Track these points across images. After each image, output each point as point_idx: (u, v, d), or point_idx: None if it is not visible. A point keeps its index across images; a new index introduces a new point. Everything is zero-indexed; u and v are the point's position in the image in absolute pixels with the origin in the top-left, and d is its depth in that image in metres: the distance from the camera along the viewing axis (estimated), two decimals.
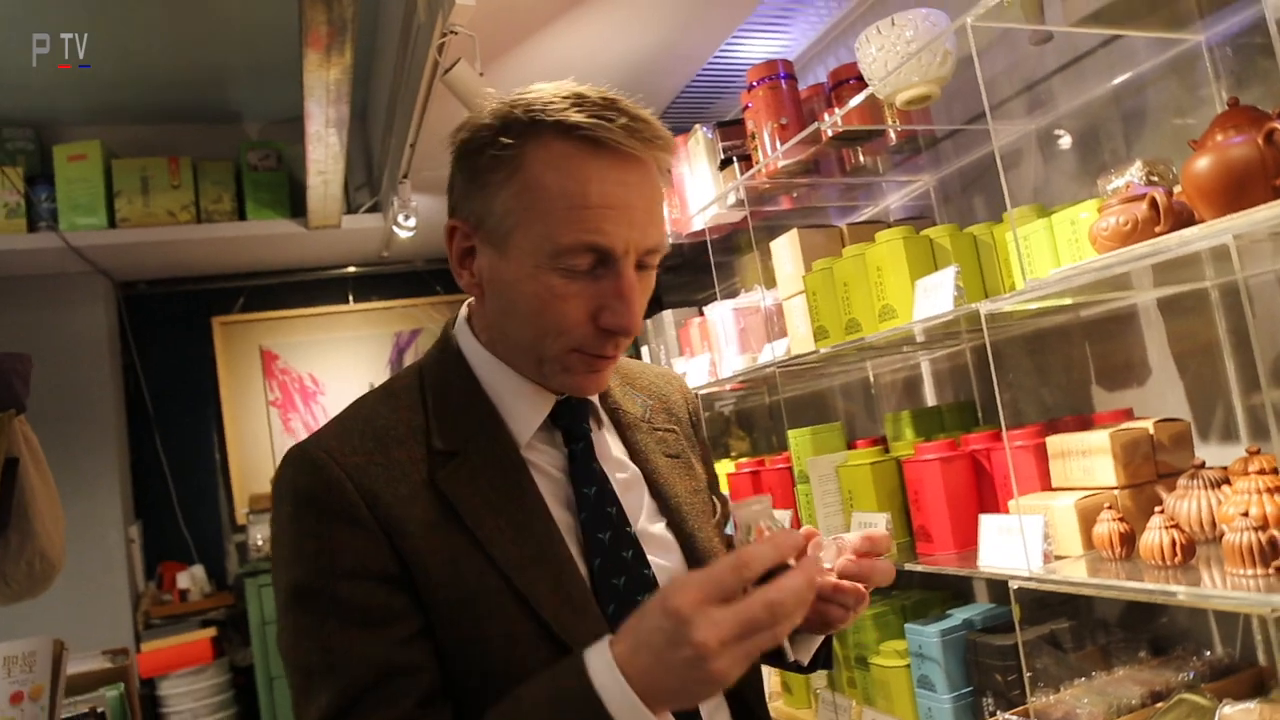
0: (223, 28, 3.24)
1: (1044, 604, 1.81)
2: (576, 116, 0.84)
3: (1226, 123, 1.26)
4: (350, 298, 4.49)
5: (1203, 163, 1.17)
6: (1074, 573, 1.43)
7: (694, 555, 1.00)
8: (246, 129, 4.04)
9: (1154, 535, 1.34)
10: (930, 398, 2.51)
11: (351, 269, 4.47)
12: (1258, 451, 1.49)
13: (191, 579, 3.90)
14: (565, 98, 0.85)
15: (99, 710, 2.08)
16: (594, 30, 2.43)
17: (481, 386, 0.95)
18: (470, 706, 0.84)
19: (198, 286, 4.19)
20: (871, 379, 2.72)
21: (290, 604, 0.85)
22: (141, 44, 3.28)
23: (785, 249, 2.24)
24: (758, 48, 2.76)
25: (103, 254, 3.64)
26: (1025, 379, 2.19)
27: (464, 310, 1.02)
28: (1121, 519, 1.44)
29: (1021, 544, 1.51)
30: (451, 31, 2.11)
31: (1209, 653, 1.77)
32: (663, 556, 0.98)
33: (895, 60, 1.72)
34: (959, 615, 1.94)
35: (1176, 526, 1.34)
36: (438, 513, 0.86)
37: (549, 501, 0.92)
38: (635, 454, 1.05)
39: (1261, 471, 1.39)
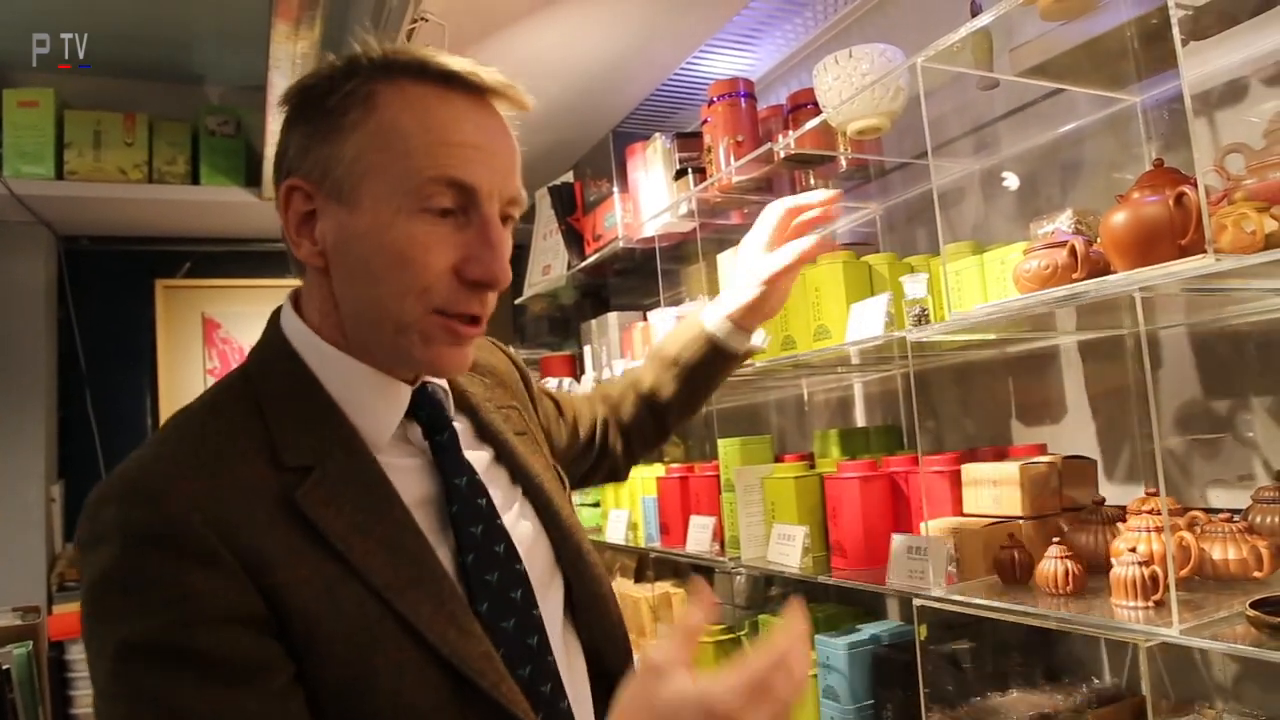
0: None
1: (950, 624, 1.88)
2: (430, 60, 0.82)
3: (1147, 182, 1.34)
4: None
5: (1119, 217, 1.25)
6: (973, 595, 1.51)
7: (559, 532, 0.98)
8: (208, 92, 3.99)
9: (1050, 564, 1.42)
10: (861, 419, 2.59)
11: None
12: (1155, 493, 1.58)
13: None
14: (415, 48, 0.84)
15: (3, 667, 2.05)
16: (564, 29, 2.46)
17: (323, 387, 0.86)
18: None
19: (143, 247, 4.12)
20: (806, 396, 2.79)
21: (124, 668, 0.71)
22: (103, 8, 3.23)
23: (731, 262, 2.29)
24: (724, 63, 2.81)
25: (47, 205, 3.57)
26: (951, 408, 2.27)
27: (287, 303, 0.91)
28: (1022, 547, 1.51)
29: (928, 565, 1.58)
30: (422, 18, 2.13)
31: (1098, 680, 1.86)
32: (528, 543, 0.94)
33: (849, 91, 1.78)
34: (868, 630, 2.01)
35: (1071, 557, 1.42)
36: (301, 538, 0.77)
37: (412, 505, 0.85)
38: (486, 435, 1.00)
39: (1154, 512, 1.48)
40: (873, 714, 1.94)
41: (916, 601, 1.55)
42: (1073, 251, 1.32)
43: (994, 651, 1.98)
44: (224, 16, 3.40)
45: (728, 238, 2.58)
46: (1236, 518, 1.44)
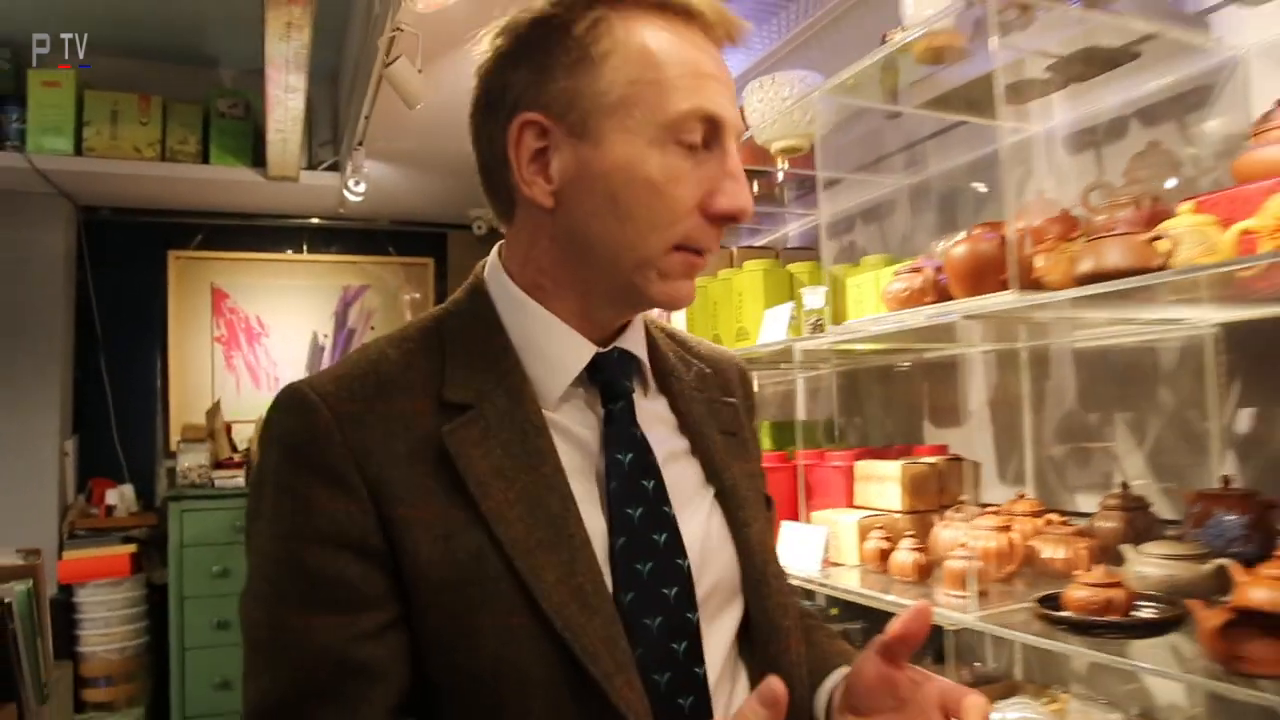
0: None
1: (852, 606, 2.06)
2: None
3: (993, 218, 1.49)
4: (305, 247, 4.67)
5: (957, 251, 1.40)
6: (843, 579, 1.68)
7: (745, 550, 0.86)
8: (220, 75, 4.19)
9: (901, 555, 1.59)
10: (802, 413, 2.75)
11: (315, 220, 4.64)
12: (1023, 496, 1.75)
13: (120, 497, 4.09)
14: None
15: (5, 600, 2.28)
16: None
17: (505, 331, 0.83)
18: (449, 713, 0.73)
19: (157, 219, 4.35)
20: (756, 389, 2.95)
21: (255, 565, 0.76)
22: None
23: None
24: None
25: (67, 179, 3.80)
26: (876, 407, 2.43)
27: (494, 254, 0.88)
28: (887, 538, 1.68)
29: (810, 550, 1.75)
30: (398, 29, 2.30)
31: (980, 665, 2.03)
32: (707, 547, 0.84)
33: (771, 114, 1.94)
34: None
35: (922, 550, 1.58)
36: (438, 477, 0.75)
37: (571, 472, 0.79)
38: (686, 424, 0.90)
39: (1028, 514, 1.64)
40: None
41: (796, 583, 1.73)
42: (925, 279, 1.47)
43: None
44: (234, 2, 3.59)
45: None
46: (1083, 521, 1.61)
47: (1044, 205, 1.67)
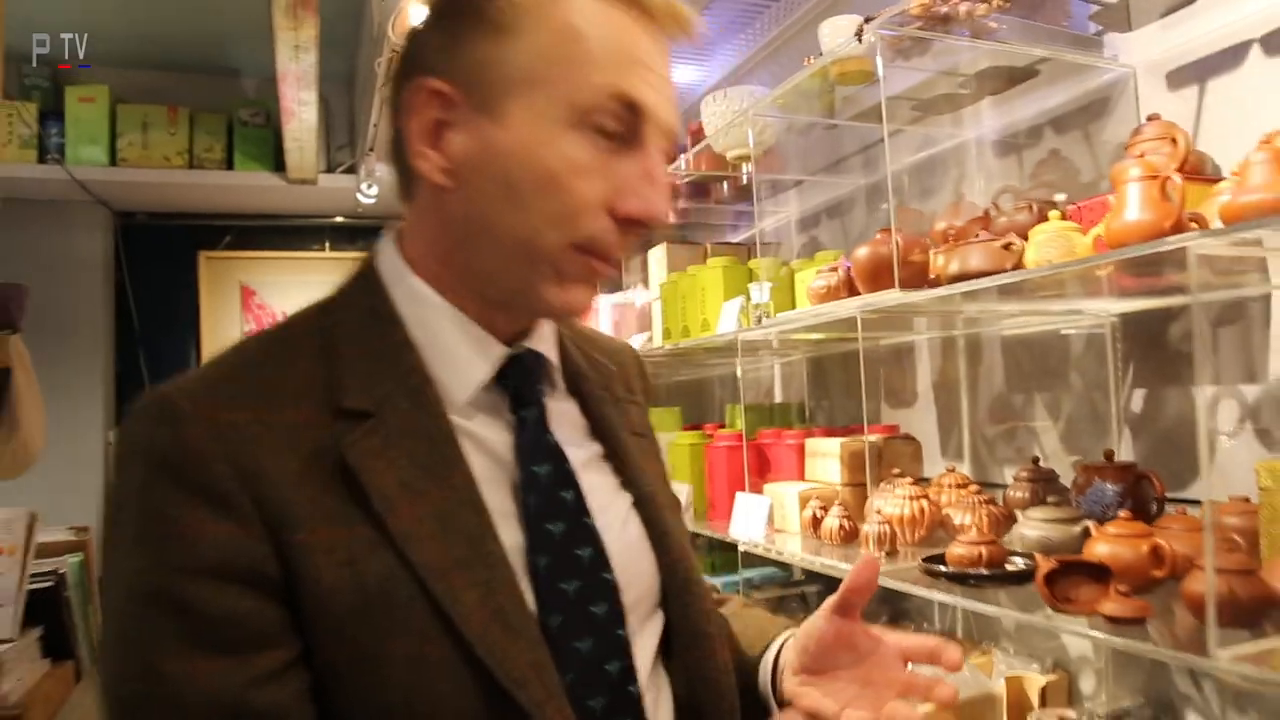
0: None
1: (814, 572, 2.26)
2: None
3: (901, 221, 1.68)
4: (327, 245, 4.93)
5: (861, 252, 1.60)
6: (786, 544, 1.88)
7: (667, 555, 0.82)
8: (242, 85, 4.45)
9: (830, 521, 1.79)
10: (779, 395, 2.95)
11: (337, 219, 4.89)
12: (952, 470, 1.94)
13: None
14: None
15: (60, 571, 2.55)
16: None
17: (407, 332, 0.74)
18: None
19: (188, 222, 4.63)
20: (739, 374, 3.16)
21: (118, 606, 0.64)
22: (150, 10, 3.69)
23: (656, 259, 2.67)
24: (680, 75, 3.15)
25: (103, 188, 4.08)
26: (840, 390, 2.63)
27: (389, 237, 0.80)
28: (823, 507, 1.88)
29: (757, 518, 1.96)
30: (393, 51, 2.52)
31: (928, 625, 2.23)
32: (629, 558, 0.79)
33: (723, 124, 2.13)
34: (747, 574, 2.40)
35: (848, 517, 1.78)
36: (337, 494, 0.66)
37: (483, 484, 0.72)
38: (599, 429, 0.85)
39: (953, 485, 1.83)
40: None
41: (742, 547, 1.94)
42: (841, 277, 1.67)
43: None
44: (254, 17, 3.83)
45: (653, 237, 2.97)
46: (999, 491, 1.80)
47: (967, 207, 1.85)
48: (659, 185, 0.73)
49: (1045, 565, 1.22)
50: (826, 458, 2.01)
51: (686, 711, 0.80)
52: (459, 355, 0.75)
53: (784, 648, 0.88)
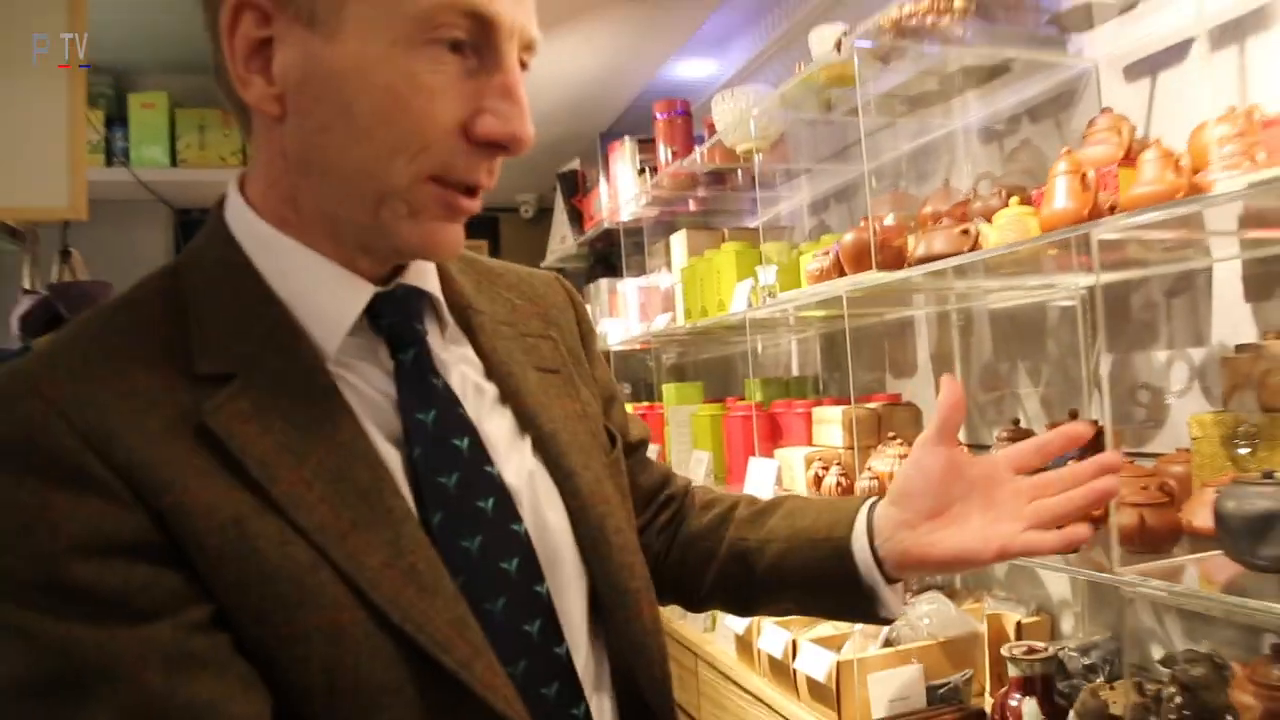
0: None
1: None
2: None
3: (890, 205, 1.87)
4: None
5: (848, 237, 1.79)
6: None
7: (574, 503, 0.75)
8: None
9: (829, 479, 2.00)
10: (796, 369, 3.15)
11: None
12: None
13: None
14: None
15: None
16: (548, 56, 3.04)
17: (265, 281, 0.67)
18: None
19: None
20: (760, 349, 3.36)
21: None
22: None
23: (678, 244, 2.88)
24: (694, 70, 3.34)
25: (165, 188, 4.38)
26: (852, 363, 2.82)
27: (233, 185, 0.73)
28: (824, 467, 2.09)
29: (767, 478, 2.17)
30: None
31: (929, 578, 2.42)
32: (538, 507, 0.73)
33: (735, 122, 2.33)
34: None
35: (845, 474, 1.99)
36: (209, 457, 0.60)
37: (374, 438, 0.66)
38: (493, 367, 0.78)
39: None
40: None
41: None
42: (832, 260, 1.87)
43: None
44: None
45: (697, 220, 3.18)
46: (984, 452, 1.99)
47: (951, 192, 2.04)
48: (518, 102, 0.65)
49: None
50: (831, 424, 2.22)
51: (619, 676, 0.76)
52: (323, 300, 0.68)
53: (873, 512, 0.83)
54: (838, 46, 1.58)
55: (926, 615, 1.97)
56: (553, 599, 0.70)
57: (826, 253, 1.89)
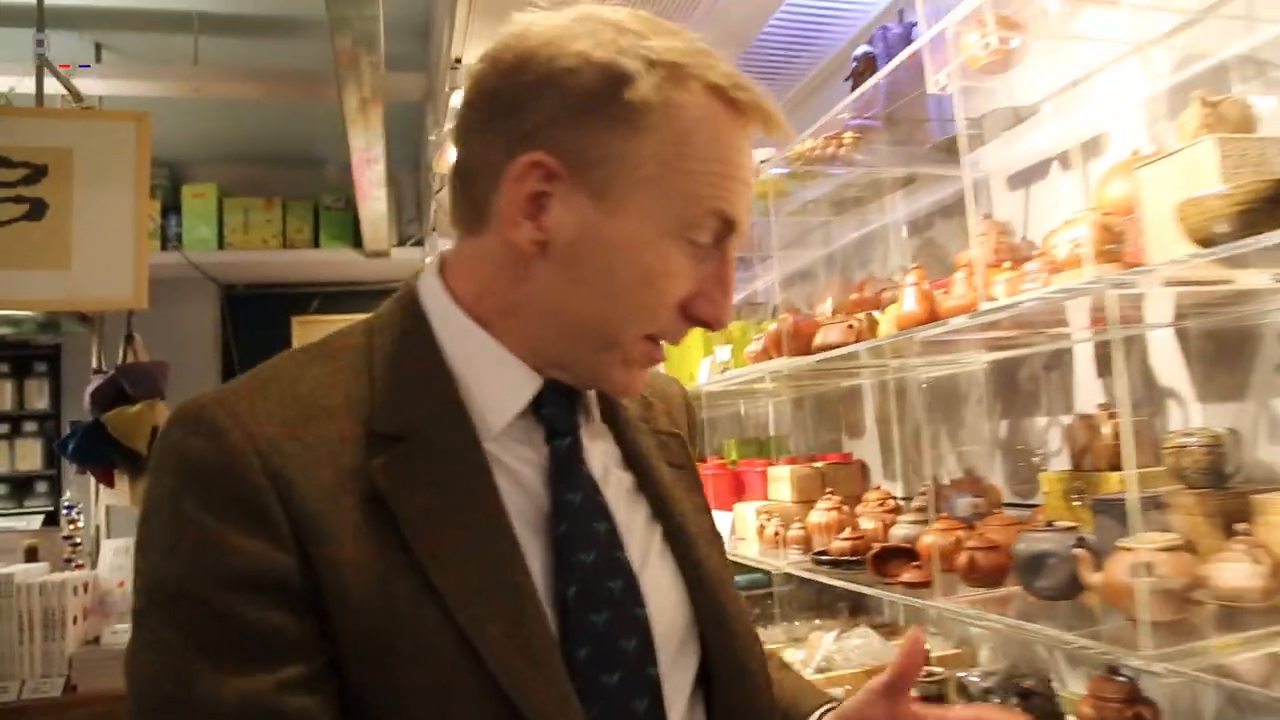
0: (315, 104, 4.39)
1: (789, 574, 2.78)
2: (728, 80, 0.73)
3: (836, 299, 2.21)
4: None
5: (773, 326, 2.14)
6: (745, 549, 2.42)
7: (701, 589, 0.80)
8: (327, 172, 5.21)
9: (769, 529, 2.32)
10: (773, 429, 3.48)
11: None
12: (879, 488, 2.45)
13: None
14: (698, 51, 0.73)
15: None
16: None
17: (443, 354, 0.75)
18: None
19: (283, 291, 5.40)
20: (744, 411, 3.70)
21: (149, 609, 0.65)
22: (252, 114, 4.45)
23: None
24: None
25: (214, 268, 4.86)
26: (813, 425, 3.15)
27: (433, 267, 0.80)
28: (769, 518, 2.41)
29: (724, 529, 2.50)
30: (440, 172, 3.16)
31: (866, 615, 2.72)
32: (660, 593, 0.78)
33: None
34: (739, 579, 2.92)
35: (784, 526, 2.32)
36: (367, 514, 0.66)
37: (513, 515, 0.72)
38: (633, 459, 0.84)
39: (875, 500, 2.34)
40: None
41: None
42: (764, 344, 2.22)
43: (819, 593, 2.87)
44: (336, 113, 4.58)
45: None
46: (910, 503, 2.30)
47: (876, 282, 2.39)
48: (729, 293, 0.76)
49: (875, 550, 1.74)
50: (782, 481, 2.55)
51: None
52: (496, 384, 0.75)
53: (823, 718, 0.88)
54: (756, 172, 1.94)
55: (857, 647, 2.27)
56: (661, 679, 0.75)
57: (759, 338, 2.24)
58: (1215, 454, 1.49)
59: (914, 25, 1.97)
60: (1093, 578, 1.26)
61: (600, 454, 0.82)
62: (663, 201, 0.71)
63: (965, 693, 2.05)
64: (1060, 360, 2.03)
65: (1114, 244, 1.26)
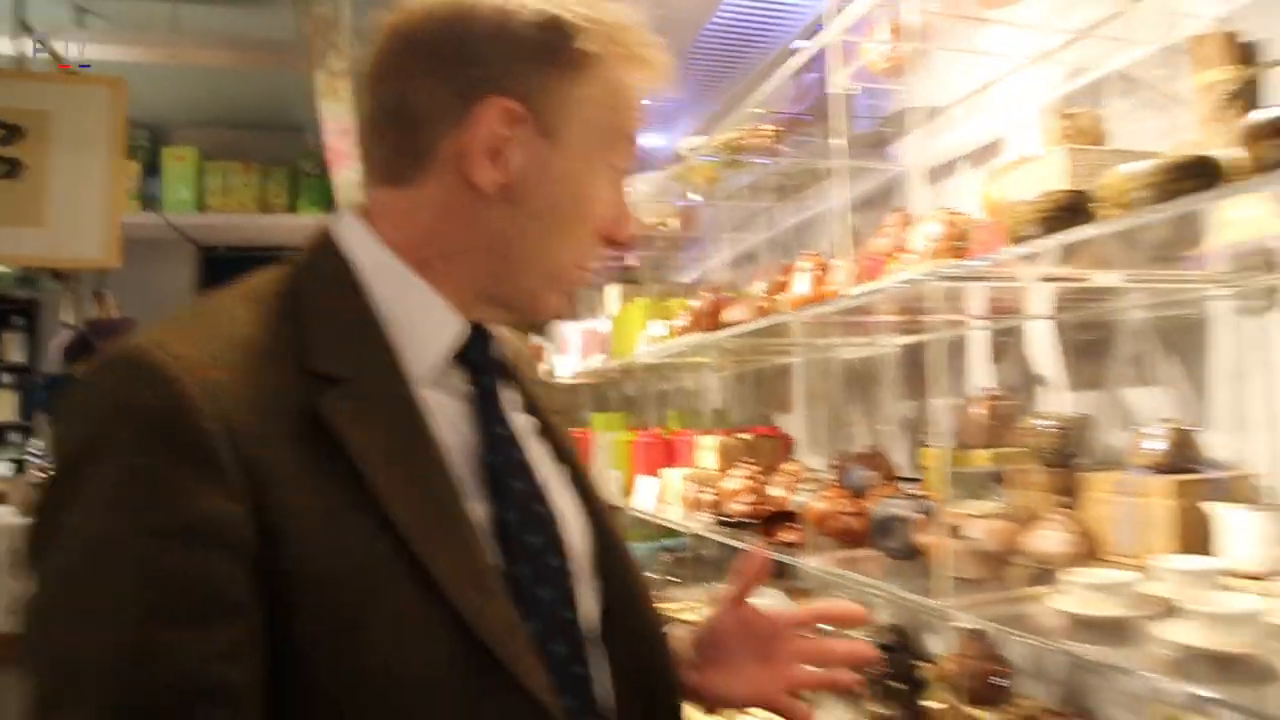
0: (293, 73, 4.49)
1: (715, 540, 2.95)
2: (648, 46, 0.81)
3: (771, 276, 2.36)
4: None
5: (694, 303, 2.28)
6: (669, 512, 2.58)
7: (599, 522, 0.87)
8: (305, 138, 5.30)
9: (691, 493, 2.48)
10: (718, 403, 3.64)
11: None
12: (794, 460, 2.61)
13: None
14: (616, 10, 0.80)
15: None
16: None
17: (370, 300, 0.75)
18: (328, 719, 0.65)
19: (260, 255, 5.43)
20: (692, 385, 3.85)
21: (75, 568, 0.61)
22: (233, 80, 4.56)
23: (612, 295, 3.39)
24: (650, 141, 3.85)
25: (192, 230, 4.98)
26: (750, 398, 3.31)
27: (351, 216, 0.80)
28: (698, 486, 2.57)
29: (649, 495, 2.66)
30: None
31: (797, 581, 2.89)
32: (569, 522, 0.83)
33: (641, 199, 2.85)
34: (666, 541, 3.10)
35: (702, 491, 2.47)
36: (311, 454, 0.66)
37: (449, 452, 0.74)
38: (533, 406, 0.89)
39: (791, 471, 2.50)
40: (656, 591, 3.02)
41: (633, 514, 2.64)
42: (687, 320, 2.37)
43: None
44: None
45: (630, 275, 3.70)
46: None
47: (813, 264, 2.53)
48: (631, 210, 0.84)
49: (764, 515, 1.90)
50: (709, 450, 2.70)
51: (629, 674, 0.84)
52: (424, 328, 0.77)
53: (676, 646, 0.95)
54: (682, 158, 2.08)
55: (765, 606, 2.44)
56: (577, 596, 0.80)
57: (683, 315, 2.39)
58: (1063, 437, 1.65)
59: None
60: (924, 539, 1.41)
61: (508, 399, 0.85)
62: (596, 137, 0.78)
63: None
64: (960, 347, 2.18)
65: (960, 241, 1.40)
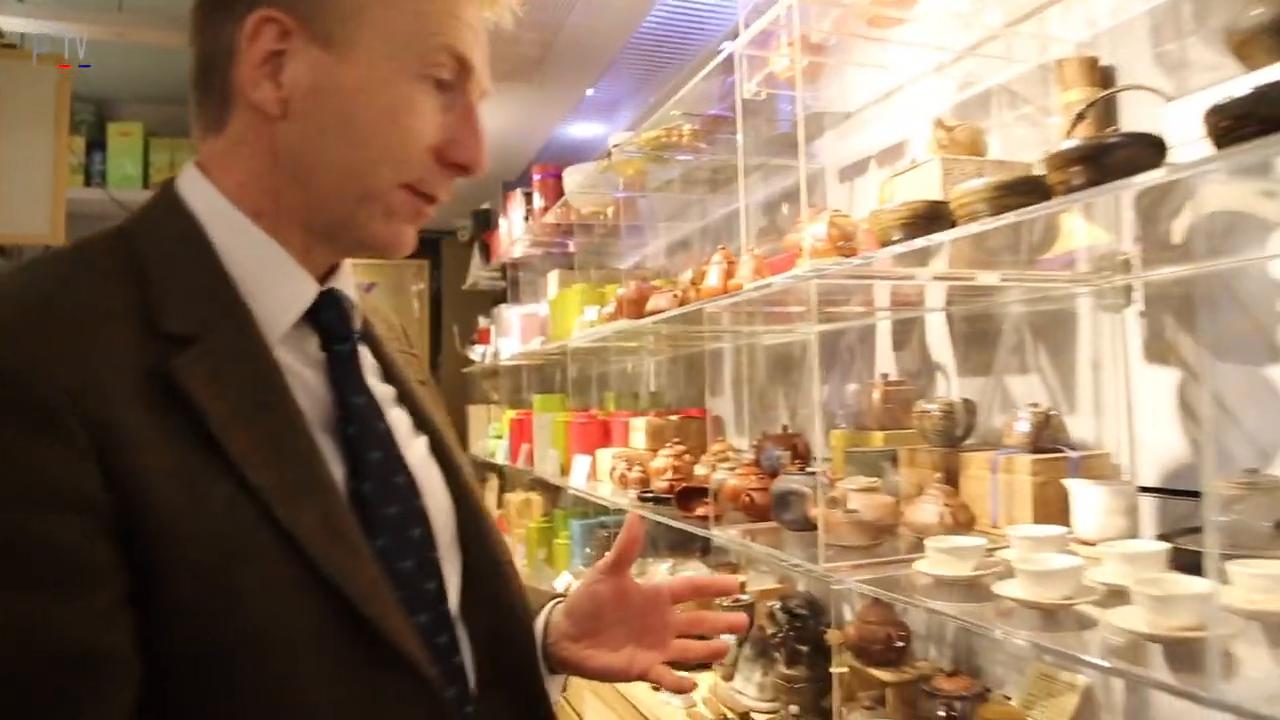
0: None
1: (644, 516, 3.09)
2: None
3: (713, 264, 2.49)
4: None
5: (620, 290, 2.41)
6: (600, 489, 2.71)
7: (461, 491, 0.87)
8: None
9: (618, 470, 2.61)
10: (653, 385, 3.78)
11: None
12: (722, 440, 2.76)
13: None
14: None
15: None
16: None
17: (219, 258, 0.72)
18: (201, 688, 0.63)
19: None
20: (629, 368, 3.99)
21: None
22: (181, 58, 4.56)
23: (552, 280, 3.50)
24: (590, 130, 3.97)
25: (137, 205, 4.98)
26: (684, 382, 3.45)
27: (191, 171, 0.77)
28: (627, 464, 2.70)
29: (582, 472, 2.79)
30: None
31: (723, 556, 3.05)
32: (430, 490, 0.82)
33: (573, 189, 2.96)
34: (603, 519, 3.23)
35: (629, 469, 2.61)
36: (165, 417, 0.63)
37: (307, 415, 0.72)
38: (391, 373, 0.87)
39: (717, 451, 2.64)
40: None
41: (571, 492, 2.77)
42: (621, 302, 2.49)
43: (677, 533, 3.19)
44: None
45: (571, 260, 3.81)
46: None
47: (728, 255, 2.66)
48: (480, 136, 0.78)
49: (681, 490, 2.04)
50: (638, 431, 2.84)
51: (490, 643, 0.84)
52: (277, 290, 0.75)
53: (552, 613, 0.95)
54: (609, 154, 2.20)
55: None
56: (442, 565, 0.81)
57: (613, 301, 2.52)
58: (948, 419, 1.80)
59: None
60: (813, 511, 1.56)
61: (365, 365, 0.83)
62: (392, 42, 0.73)
63: (773, 619, 2.38)
64: (869, 335, 2.33)
65: (847, 241, 1.54)
